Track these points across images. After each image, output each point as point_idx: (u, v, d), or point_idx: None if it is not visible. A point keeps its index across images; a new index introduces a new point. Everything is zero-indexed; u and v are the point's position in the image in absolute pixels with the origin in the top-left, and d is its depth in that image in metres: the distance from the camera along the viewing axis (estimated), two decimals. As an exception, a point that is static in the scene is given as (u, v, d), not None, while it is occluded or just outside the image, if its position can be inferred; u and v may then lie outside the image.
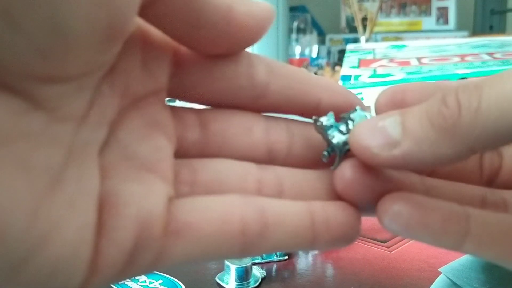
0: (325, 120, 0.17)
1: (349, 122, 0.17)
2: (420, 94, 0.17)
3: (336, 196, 0.17)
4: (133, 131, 0.15)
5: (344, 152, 0.17)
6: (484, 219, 0.16)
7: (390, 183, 0.17)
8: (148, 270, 0.14)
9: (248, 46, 0.16)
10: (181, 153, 0.17)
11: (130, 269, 0.14)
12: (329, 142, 0.17)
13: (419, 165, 0.15)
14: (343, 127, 0.17)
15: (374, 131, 0.15)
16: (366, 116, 0.17)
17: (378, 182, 0.17)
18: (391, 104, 0.18)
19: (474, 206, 0.17)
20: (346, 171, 0.16)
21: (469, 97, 0.14)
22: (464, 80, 0.15)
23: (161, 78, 0.16)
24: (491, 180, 0.19)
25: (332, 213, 0.16)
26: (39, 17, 0.10)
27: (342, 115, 0.18)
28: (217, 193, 0.16)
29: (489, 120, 0.13)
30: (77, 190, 0.13)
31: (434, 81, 0.18)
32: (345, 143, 0.17)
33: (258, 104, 0.18)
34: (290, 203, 0.16)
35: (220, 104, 0.18)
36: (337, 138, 0.17)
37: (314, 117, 0.18)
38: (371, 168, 0.16)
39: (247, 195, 0.16)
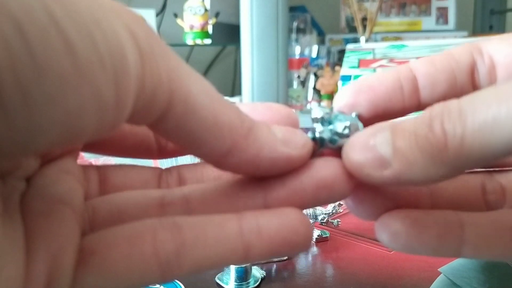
0: (318, 113, 0.18)
1: (330, 124, 0.17)
2: (388, 94, 0.18)
3: (263, 204, 0.16)
4: (49, 176, 0.17)
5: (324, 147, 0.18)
6: (477, 226, 0.17)
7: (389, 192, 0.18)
8: None
9: None
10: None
11: None
12: (313, 133, 0.18)
13: (410, 184, 0.16)
14: (330, 126, 0.17)
15: (366, 149, 0.16)
16: (344, 120, 0.17)
17: (378, 196, 0.18)
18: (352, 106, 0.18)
19: (477, 195, 0.19)
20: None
21: (454, 125, 0.14)
22: (449, 102, 0.15)
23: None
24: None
25: (265, 220, 0.15)
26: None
27: (325, 115, 0.18)
28: (118, 224, 0.15)
29: (474, 146, 0.14)
30: (6, 237, 0.13)
31: (399, 73, 0.19)
32: (329, 140, 0.17)
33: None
34: (208, 217, 0.16)
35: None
36: (325, 133, 0.17)
37: (310, 107, 0.18)
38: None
39: (160, 217, 0.16)
